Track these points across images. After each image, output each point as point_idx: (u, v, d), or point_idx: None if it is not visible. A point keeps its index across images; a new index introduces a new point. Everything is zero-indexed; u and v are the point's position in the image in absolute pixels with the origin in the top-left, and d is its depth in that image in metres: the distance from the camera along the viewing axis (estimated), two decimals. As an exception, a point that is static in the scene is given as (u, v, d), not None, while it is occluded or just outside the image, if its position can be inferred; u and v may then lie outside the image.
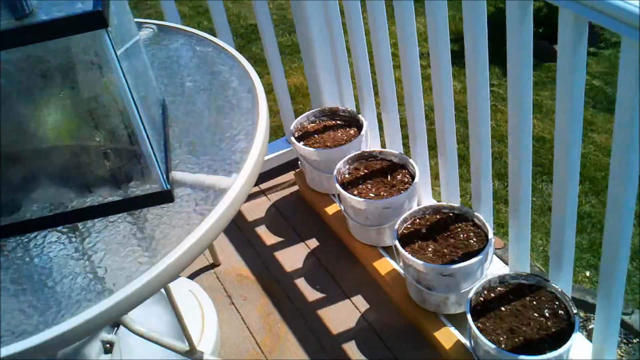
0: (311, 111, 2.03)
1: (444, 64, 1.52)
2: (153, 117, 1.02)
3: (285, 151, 2.15)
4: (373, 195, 1.75)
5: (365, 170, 1.83)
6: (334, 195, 1.96)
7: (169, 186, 0.96)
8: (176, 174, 1.02)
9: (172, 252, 0.89)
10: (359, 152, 1.86)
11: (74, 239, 0.95)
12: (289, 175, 2.16)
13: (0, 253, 0.93)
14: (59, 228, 0.96)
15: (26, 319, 0.84)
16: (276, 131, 2.83)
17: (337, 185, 1.76)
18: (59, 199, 0.94)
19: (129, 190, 0.96)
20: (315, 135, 1.96)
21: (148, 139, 0.91)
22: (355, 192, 1.76)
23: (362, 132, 1.91)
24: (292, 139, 1.93)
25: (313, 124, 2.02)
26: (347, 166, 1.84)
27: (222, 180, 1.01)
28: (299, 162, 2.01)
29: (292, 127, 1.98)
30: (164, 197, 0.97)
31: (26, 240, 0.95)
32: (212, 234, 0.95)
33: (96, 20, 0.79)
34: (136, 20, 1.46)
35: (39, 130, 0.89)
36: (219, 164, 1.04)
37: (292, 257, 1.89)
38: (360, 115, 1.96)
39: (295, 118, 2.03)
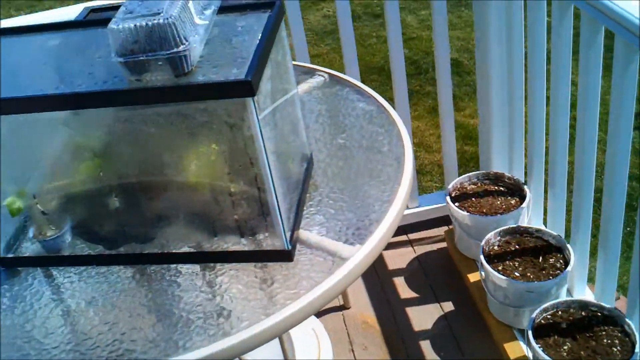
0: (474, 172, 1.97)
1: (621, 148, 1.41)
2: (291, 173, 1.06)
3: (441, 206, 2.11)
4: (518, 274, 1.66)
5: (517, 246, 1.74)
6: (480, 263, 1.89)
7: (290, 246, 0.99)
8: (302, 233, 1.05)
9: (282, 310, 0.92)
10: (515, 225, 1.77)
11: (201, 275, 1.01)
12: (440, 230, 2.12)
13: (142, 276, 1.02)
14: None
15: (153, 346, 0.91)
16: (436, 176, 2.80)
17: (482, 257, 1.69)
18: (188, 238, 1.01)
19: (253, 241, 1.00)
20: (473, 199, 1.90)
21: (277, 200, 0.94)
22: (500, 268, 1.68)
23: (523, 205, 1.82)
24: (448, 198, 1.89)
25: (474, 186, 1.96)
26: (498, 238, 1.76)
27: (345, 249, 1.01)
28: (452, 221, 1.97)
29: (450, 187, 1.94)
30: (284, 256, 1.00)
31: (158, 268, 1.03)
32: (322, 301, 0.96)
33: (245, 89, 0.83)
34: (308, 66, 1.53)
35: (179, 175, 0.96)
36: (348, 229, 1.05)
37: (423, 317, 1.85)
38: (525, 186, 1.87)
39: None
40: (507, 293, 1.64)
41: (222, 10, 1.01)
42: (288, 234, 0.98)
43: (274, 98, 0.98)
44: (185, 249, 1.01)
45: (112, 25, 0.85)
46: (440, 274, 1.98)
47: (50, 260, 1.05)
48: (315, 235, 1.05)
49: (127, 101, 0.88)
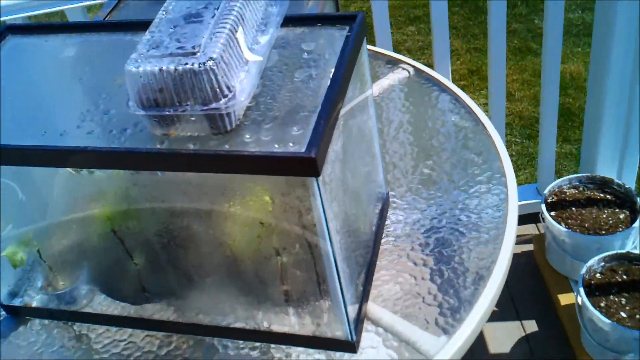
0: (576, 175, 1.68)
1: None
2: (360, 235, 0.83)
3: (532, 202, 1.84)
4: (625, 315, 1.40)
5: (624, 277, 1.48)
6: (575, 281, 1.63)
7: (354, 338, 0.77)
8: (372, 309, 0.83)
9: None
10: (624, 251, 1.50)
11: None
12: (527, 229, 1.86)
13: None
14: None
15: None
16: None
17: (582, 289, 1.43)
18: (224, 310, 0.80)
19: (304, 323, 0.79)
20: (573, 208, 1.62)
21: (341, 291, 0.72)
22: (603, 304, 1.42)
23: (635, 224, 1.54)
24: (543, 207, 1.62)
25: (574, 191, 1.67)
26: (602, 264, 1.50)
27: (426, 341, 0.79)
28: (544, 229, 1.70)
29: (546, 191, 1.66)
30: (347, 347, 0.78)
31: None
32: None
33: (307, 167, 0.60)
34: (392, 56, 1.26)
35: (211, 244, 0.74)
36: (429, 307, 0.82)
37: (501, 337, 1.62)
38: (638, 198, 1.58)
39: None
40: (610, 337, 1.39)
41: (286, 22, 0.76)
42: (352, 325, 0.77)
43: (347, 148, 0.75)
44: (227, 322, 0.80)
45: (130, 65, 0.62)
46: (524, 285, 1.73)
47: (63, 314, 0.87)
48: (388, 314, 0.83)
49: (148, 166, 0.66)
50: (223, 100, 0.61)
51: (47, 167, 0.68)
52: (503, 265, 0.85)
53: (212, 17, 0.64)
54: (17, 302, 0.89)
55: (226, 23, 0.63)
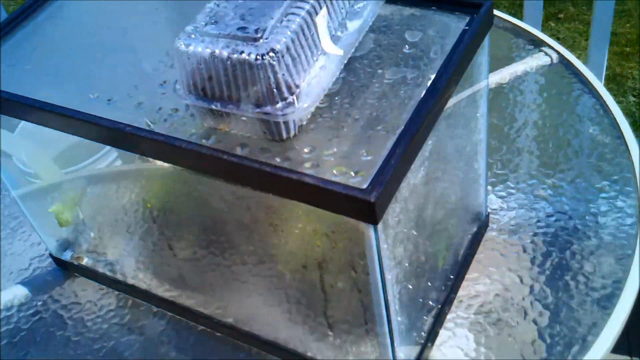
0: None
1: None
2: (436, 270, 0.69)
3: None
4: None
5: None
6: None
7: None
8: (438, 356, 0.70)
9: None
10: None
11: None
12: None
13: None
14: None
15: None
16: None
17: None
18: (263, 324, 0.70)
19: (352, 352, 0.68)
20: None
21: (391, 339, 0.59)
22: None
23: None
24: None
25: None
26: None
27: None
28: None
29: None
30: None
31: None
32: None
33: (363, 210, 0.47)
34: (535, 35, 1.06)
35: (251, 260, 0.63)
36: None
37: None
38: None
39: None
40: None
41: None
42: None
43: (434, 172, 0.60)
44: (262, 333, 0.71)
45: (180, 42, 0.50)
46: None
47: (106, 279, 0.81)
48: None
49: (182, 162, 0.55)
50: (280, 104, 0.49)
51: (80, 137, 0.59)
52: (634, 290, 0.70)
53: (290, -8, 0.51)
54: (66, 257, 0.83)
55: (306, 2, 0.50)
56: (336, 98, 0.54)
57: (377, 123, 0.52)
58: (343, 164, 0.49)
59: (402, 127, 0.50)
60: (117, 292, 0.81)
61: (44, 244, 0.85)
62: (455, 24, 0.58)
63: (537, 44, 1.05)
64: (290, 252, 0.58)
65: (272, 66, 0.47)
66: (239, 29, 0.49)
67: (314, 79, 0.50)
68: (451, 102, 0.58)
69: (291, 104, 0.49)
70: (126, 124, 0.55)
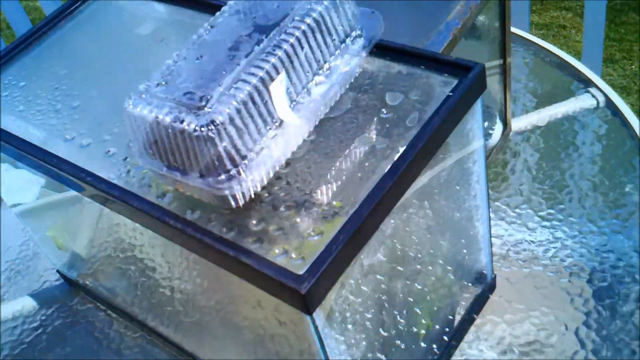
0: None
1: None
2: (419, 340, 0.64)
3: None
4: None
5: None
6: None
7: None
8: None
9: None
10: None
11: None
12: None
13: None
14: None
15: None
16: None
17: None
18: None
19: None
20: None
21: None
22: None
23: None
24: None
25: None
26: None
27: None
28: None
29: None
30: None
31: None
32: None
33: (296, 301, 0.43)
34: (584, 73, 0.98)
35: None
36: None
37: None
38: None
39: None
40: None
41: (385, 50, 0.57)
42: None
43: (409, 241, 0.56)
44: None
45: (129, 102, 0.48)
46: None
47: (98, 299, 0.81)
48: None
49: (135, 220, 0.53)
50: (223, 177, 0.46)
51: (47, 177, 0.59)
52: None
53: (249, 53, 0.48)
54: (71, 275, 0.84)
55: (261, 68, 0.47)
56: (299, 163, 0.51)
57: (333, 199, 0.49)
58: (288, 242, 0.46)
59: (353, 211, 0.46)
60: (116, 315, 0.82)
61: (49, 260, 0.87)
62: (441, 88, 0.54)
63: (585, 81, 0.98)
64: (245, 319, 0.56)
65: (212, 139, 0.44)
66: (185, 94, 0.46)
67: (265, 150, 0.47)
68: (432, 172, 0.54)
69: (234, 176, 0.46)
70: (86, 174, 0.54)
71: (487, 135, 0.88)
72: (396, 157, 0.49)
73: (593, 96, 0.95)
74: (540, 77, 1.02)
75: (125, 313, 0.79)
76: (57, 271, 0.86)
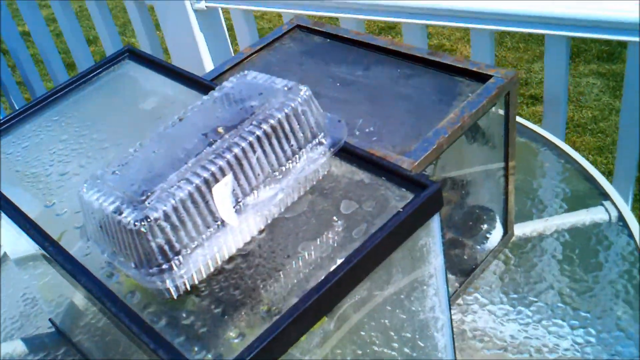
0: None
1: None
2: None
3: None
4: None
5: None
6: None
7: None
8: None
9: None
10: None
11: None
12: None
13: None
14: None
15: None
16: None
17: None
18: None
19: None
20: None
21: None
22: None
23: None
24: None
25: None
26: None
27: None
28: None
29: None
30: None
31: None
32: None
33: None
34: (599, 181, 0.96)
35: None
36: None
37: None
38: None
39: None
40: None
41: (352, 156, 0.58)
42: None
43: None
44: None
45: (83, 186, 0.51)
46: None
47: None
48: None
49: (84, 293, 0.55)
50: (154, 269, 0.48)
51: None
52: None
53: (198, 153, 0.50)
54: (61, 325, 0.87)
55: (206, 169, 0.49)
56: (241, 263, 0.52)
57: (263, 302, 0.49)
58: (209, 342, 0.47)
59: (280, 314, 0.47)
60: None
61: (43, 308, 0.90)
62: (395, 202, 0.54)
63: (599, 190, 0.95)
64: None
65: (144, 233, 0.46)
66: (132, 185, 0.49)
67: (201, 248, 0.49)
68: (383, 282, 0.54)
69: (166, 270, 0.48)
70: (49, 242, 0.57)
71: (484, 239, 0.87)
72: (332, 268, 0.49)
73: (606, 210, 0.92)
74: (560, 184, 1.00)
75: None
76: (50, 320, 0.89)
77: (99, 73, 0.81)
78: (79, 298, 0.79)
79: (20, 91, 2.30)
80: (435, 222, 0.55)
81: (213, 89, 0.71)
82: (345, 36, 0.89)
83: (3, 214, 0.62)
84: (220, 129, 0.52)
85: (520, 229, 0.91)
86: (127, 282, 0.53)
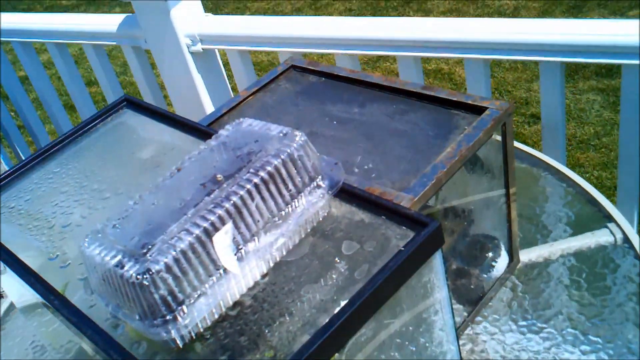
0: None
1: None
2: None
3: None
4: None
5: None
6: None
7: None
8: None
9: None
10: None
11: None
12: None
13: None
14: None
15: None
16: None
17: None
18: None
19: None
20: None
21: None
22: None
23: None
24: None
25: None
26: None
27: None
28: None
29: None
30: None
31: None
32: None
33: None
34: (601, 202, 0.96)
35: None
36: None
37: None
38: None
39: None
40: None
41: (350, 196, 0.59)
42: None
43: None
44: None
45: (85, 240, 0.51)
46: None
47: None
48: None
49: (89, 343, 0.56)
50: (159, 321, 0.48)
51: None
52: None
53: (197, 203, 0.51)
54: None
55: (205, 219, 0.49)
56: (245, 308, 0.53)
57: (269, 348, 0.49)
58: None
59: (285, 361, 0.47)
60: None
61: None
62: (396, 241, 0.54)
63: (604, 213, 0.95)
64: None
65: (147, 286, 0.47)
66: (132, 239, 0.49)
67: (204, 297, 0.49)
68: (388, 319, 0.54)
69: (170, 321, 0.48)
70: (54, 296, 0.57)
71: (490, 267, 0.87)
72: (336, 310, 0.50)
73: (611, 232, 0.92)
74: (563, 208, 1.00)
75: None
76: (60, 367, 0.89)
77: (98, 123, 0.82)
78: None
79: (22, 135, 2.32)
80: (437, 259, 0.56)
81: (210, 134, 0.72)
82: (340, 74, 0.90)
83: (7, 268, 0.63)
84: (219, 177, 0.52)
85: (526, 255, 0.91)
86: (133, 332, 0.53)
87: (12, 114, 2.41)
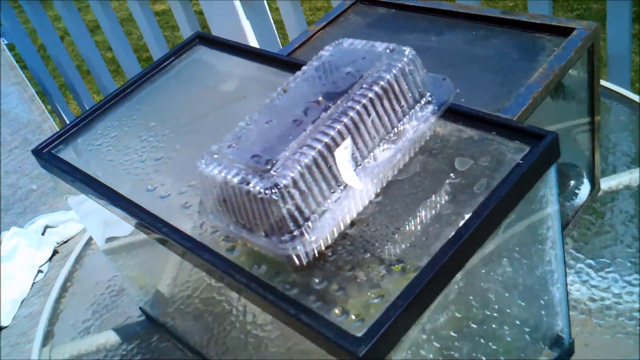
0: None
1: None
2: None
3: None
4: None
5: None
6: None
7: None
8: None
9: None
10: None
11: None
12: None
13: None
14: None
15: None
16: None
17: None
18: None
19: None
20: None
21: None
22: None
23: None
24: None
25: None
26: None
27: None
28: None
29: None
30: None
31: None
32: None
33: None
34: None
35: None
36: None
37: None
38: None
39: None
40: None
41: (457, 115, 0.57)
42: None
43: (465, 311, 0.55)
44: None
45: (201, 161, 0.51)
46: None
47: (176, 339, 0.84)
48: None
49: (203, 270, 0.55)
50: (286, 237, 0.47)
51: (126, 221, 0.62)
52: None
53: (315, 119, 0.49)
54: (152, 312, 0.88)
55: (326, 134, 0.48)
56: (364, 226, 0.52)
57: (396, 262, 0.49)
58: (348, 303, 0.47)
59: (417, 275, 0.46)
60: (192, 355, 0.84)
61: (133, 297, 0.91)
62: (512, 155, 0.53)
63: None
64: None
65: (275, 201, 0.46)
66: (253, 156, 0.48)
67: (328, 213, 0.48)
68: (502, 237, 0.53)
69: (297, 237, 0.47)
70: (163, 224, 0.57)
71: (573, 195, 0.85)
72: (461, 223, 0.49)
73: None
74: (636, 136, 0.98)
75: (201, 354, 0.81)
76: (140, 308, 0.90)
77: (173, 61, 0.80)
78: (168, 284, 0.79)
79: (63, 96, 2.33)
80: (552, 174, 0.54)
81: (293, 64, 0.70)
82: (411, 4, 0.88)
83: (107, 203, 0.63)
84: (332, 94, 0.51)
85: (606, 183, 0.89)
86: (248, 255, 0.53)
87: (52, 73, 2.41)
